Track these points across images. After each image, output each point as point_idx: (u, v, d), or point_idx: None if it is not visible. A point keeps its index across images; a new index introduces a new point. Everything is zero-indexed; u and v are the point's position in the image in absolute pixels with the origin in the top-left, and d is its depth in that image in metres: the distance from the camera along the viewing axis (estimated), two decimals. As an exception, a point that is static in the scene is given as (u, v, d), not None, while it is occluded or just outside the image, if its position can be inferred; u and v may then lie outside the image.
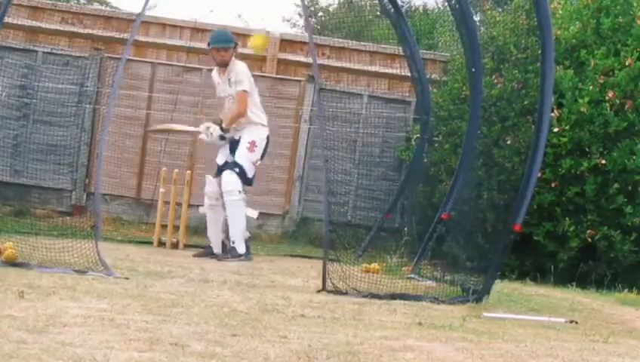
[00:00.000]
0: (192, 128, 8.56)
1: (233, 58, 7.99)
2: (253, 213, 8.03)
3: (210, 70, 8.50)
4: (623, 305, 6.40)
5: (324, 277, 5.68)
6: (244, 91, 7.86)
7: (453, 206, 7.25)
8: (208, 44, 8.05)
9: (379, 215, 9.74)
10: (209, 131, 7.96)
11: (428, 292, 5.85)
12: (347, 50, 10.60)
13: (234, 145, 7.96)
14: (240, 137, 7.94)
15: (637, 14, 8.28)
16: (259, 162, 8.04)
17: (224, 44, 7.93)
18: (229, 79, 7.95)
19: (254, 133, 7.94)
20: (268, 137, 8.06)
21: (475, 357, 3.68)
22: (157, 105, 10.42)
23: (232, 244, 7.77)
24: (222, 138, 7.96)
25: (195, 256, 7.83)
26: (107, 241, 8.20)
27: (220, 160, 8.03)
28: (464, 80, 8.78)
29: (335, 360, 3.38)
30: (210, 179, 8.03)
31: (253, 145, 7.90)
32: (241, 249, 7.75)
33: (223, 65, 7.97)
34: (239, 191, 7.78)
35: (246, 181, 7.87)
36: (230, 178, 7.77)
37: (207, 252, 7.95)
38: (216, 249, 7.94)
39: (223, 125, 7.90)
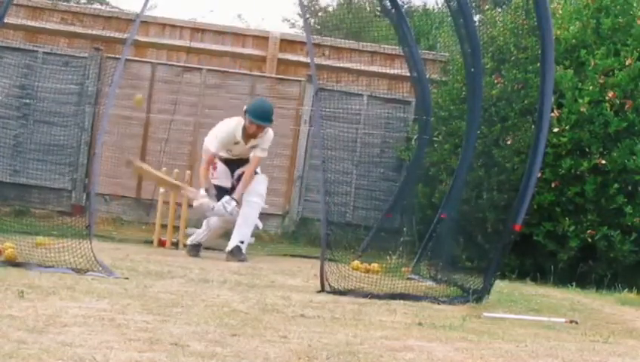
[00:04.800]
0: (184, 186, 8.23)
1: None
2: (259, 224, 8.04)
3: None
4: (623, 305, 6.40)
5: (322, 278, 5.68)
6: (261, 158, 7.86)
7: (445, 207, 7.26)
8: (246, 112, 7.60)
9: (379, 215, 9.74)
10: (225, 204, 7.71)
11: (428, 293, 5.85)
12: (347, 51, 10.59)
13: (234, 167, 7.90)
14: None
15: (637, 14, 8.28)
16: None
17: (268, 122, 7.67)
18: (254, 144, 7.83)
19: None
20: None
21: (475, 357, 3.67)
22: (157, 106, 10.43)
23: (239, 243, 7.70)
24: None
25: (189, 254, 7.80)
26: (107, 241, 8.22)
27: (226, 183, 7.89)
28: (464, 80, 8.78)
29: (335, 360, 3.38)
30: (212, 221, 7.92)
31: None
32: (244, 251, 7.75)
33: (254, 136, 7.76)
34: (264, 200, 7.92)
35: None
36: (262, 183, 7.89)
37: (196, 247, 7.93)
38: (200, 238, 7.94)
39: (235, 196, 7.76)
